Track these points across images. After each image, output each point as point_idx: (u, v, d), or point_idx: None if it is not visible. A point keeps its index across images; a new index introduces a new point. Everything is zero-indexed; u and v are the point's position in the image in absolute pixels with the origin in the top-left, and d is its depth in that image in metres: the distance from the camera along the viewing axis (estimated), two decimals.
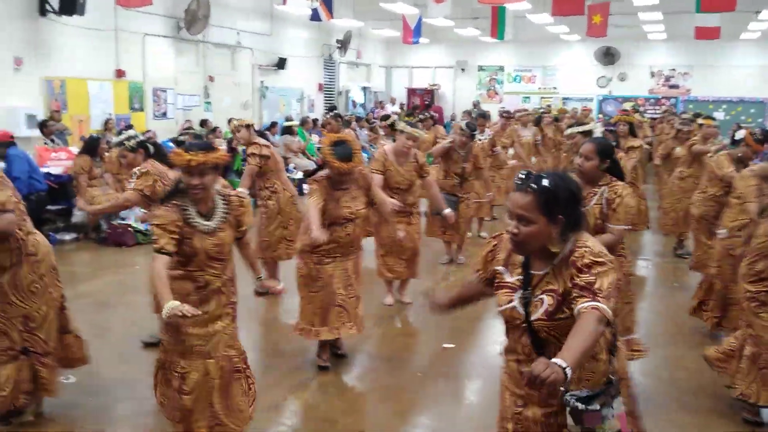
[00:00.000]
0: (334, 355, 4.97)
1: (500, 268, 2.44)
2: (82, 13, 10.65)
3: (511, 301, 2.35)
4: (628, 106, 20.99)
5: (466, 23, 18.76)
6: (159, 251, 3.15)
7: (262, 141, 6.43)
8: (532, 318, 2.29)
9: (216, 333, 3.37)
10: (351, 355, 5.09)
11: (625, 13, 16.67)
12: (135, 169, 4.87)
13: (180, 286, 3.24)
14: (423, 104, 22.61)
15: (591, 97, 22.26)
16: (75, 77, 11.53)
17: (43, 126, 10.11)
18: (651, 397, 4.29)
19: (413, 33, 17.22)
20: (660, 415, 4.08)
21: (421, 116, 11.25)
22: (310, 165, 12.80)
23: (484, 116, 10.54)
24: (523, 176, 2.28)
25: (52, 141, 10.10)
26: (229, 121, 14.29)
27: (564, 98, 22.18)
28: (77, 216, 8.91)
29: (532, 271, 2.34)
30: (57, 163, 9.19)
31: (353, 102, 21.65)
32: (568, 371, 1.95)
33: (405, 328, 5.84)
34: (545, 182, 2.23)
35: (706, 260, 5.74)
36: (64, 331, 4.03)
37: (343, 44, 19.72)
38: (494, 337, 5.69)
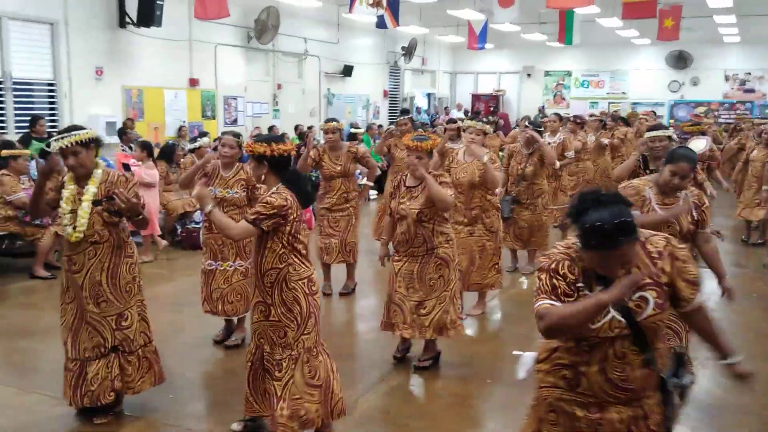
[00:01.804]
0: (397, 359, 5.03)
1: (581, 284, 2.37)
2: (159, 24, 11.06)
3: (607, 313, 2.30)
4: (700, 111, 20.43)
5: (532, 28, 18.60)
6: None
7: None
8: (641, 318, 2.31)
9: (253, 322, 3.67)
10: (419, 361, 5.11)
11: (697, 16, 16.23)
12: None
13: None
14: (488, 110, 22.48)
15: (662, 102, 21.71)
16: (151, 86, 11.97)
17: (122, 133, 10.53)
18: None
19: (478, 39, 17.16)
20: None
21: (485, 120, 11.20)
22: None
23: (561, 117, 10.36)
24: (598, 234, 2.18)
25: (130, 148, 10.49)
26: (296, 127, 14.62)
27: (633, 103, 21.69)
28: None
29: (611, 277, 2.32)
30: (134, 168, 9.53)
31: (417, 108, 21.71)
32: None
33: (474, 335, 5.84)
34: (625, 221, 2.17)
35: None
36: (148, 338, 4.15)
37: (408, 51, 19.82)
38: None
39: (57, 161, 3.87)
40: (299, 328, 3.58)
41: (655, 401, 2.46)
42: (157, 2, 10.87)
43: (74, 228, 3.79)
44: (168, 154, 8.94)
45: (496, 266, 5.98)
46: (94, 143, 3.89)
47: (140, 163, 8.08)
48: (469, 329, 5.94)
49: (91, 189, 3.81)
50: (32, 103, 10.35)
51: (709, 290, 3.42)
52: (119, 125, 10.89)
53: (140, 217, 3.90)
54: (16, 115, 9.93)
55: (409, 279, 4.70)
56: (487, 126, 6.09)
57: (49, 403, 4.28)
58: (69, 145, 3.74)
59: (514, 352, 5.23)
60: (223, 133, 5.54)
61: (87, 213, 3.78)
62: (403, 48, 19.81)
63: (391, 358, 5.06)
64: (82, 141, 3.78)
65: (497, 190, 6.15)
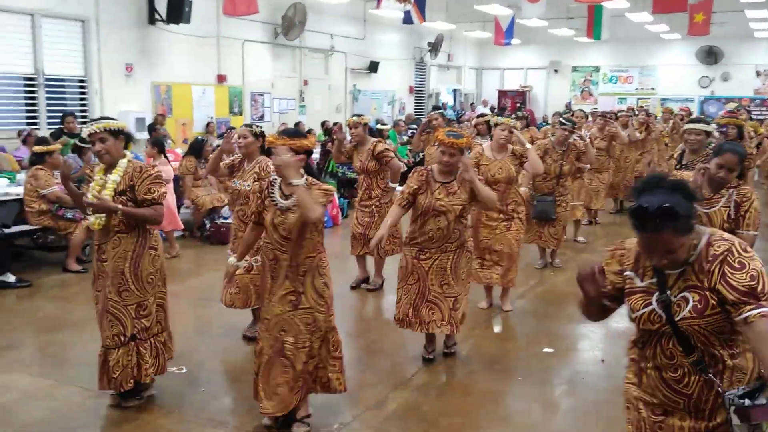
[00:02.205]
0: (428, 360, 5.01)
1: (630, 273, 2.37)
2: (187, 21, 11.16)
3: (648, 304, 2.30)
4: (731, 106, 20.10)
5: (560, 23, 18.44)
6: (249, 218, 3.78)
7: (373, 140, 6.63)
8: (678, 318, 2.24)
9: (275, 314, 3.69)
10: (451, 357, 5.10)
11: (729, 10, 15.98)
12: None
13: (263, 260, 3.79)
14: (514, 106, 22.35)
15: (692, 97, 21.41)
16: (180, 82, 12.08)
17: (152, 129, 10.64)
18: None
19: (505, 34, 17.09)
20: None
21: (514, 116, 11.12)
22: (402, 167, 12.88)
23: (586, 115, 10.31)
24: (642, 215, 2.14)
25: None
26: (323, 123, 14.65)
27: (662, 99, 21.43)
28: (183, 214, 9.32)
29: (668, 271, 2.27)
30: (164, 164, 9.62)
31: (443, 104, 21.65)
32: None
33: (503, 333, 5.81)
34: (669, 209, 2.11)
35: None
36: (162, 328, 4.22)
37: (434, 47, 19.76)
38: (593, 342, 5.60)
39: (69, 164, 4.03)
40: (328, 312, 3.79)
41: (722, 420, 2.30)
42: None
43: (96, 217, 3.88)
44: (197, 149, 9.00)
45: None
46: (124, 135, 3.99)
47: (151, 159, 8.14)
48: (498, 326, 5.93)
49: (113, 178, 3.90)
50: (64, 99, 10.51)
51: None
52: (149, 121, 11.01)
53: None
54: (48, 111, 10.09)
55: (442, 276, 4.65)
56: (517, 122, 6.06)
57: (84, 394, 4.34)
58: (97, 131, 3.87)
59: (545, 350, 5.27)
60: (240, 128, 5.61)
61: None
62: (429, 44, 19.76)
63: (419, 356, 5.05)
64: (110, 129, 3.90)
65: (522, 189, 6.19)
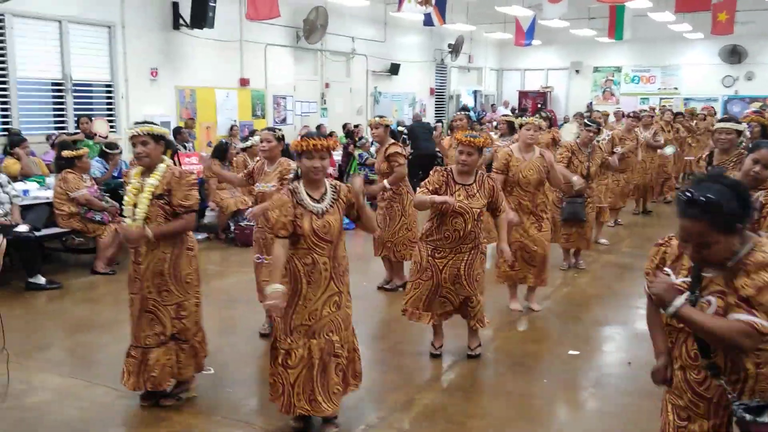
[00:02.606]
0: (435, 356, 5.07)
1: (667, 269, 2.37)
2: (211, 26, 11.27)
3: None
4: (756, 106, 19.84)
5: (581, 24, 18.35)
6: (276, 235, 3.63)
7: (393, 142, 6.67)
8: None
9: (322, 317, 3.69)
10: (476, 359, 5.11)
11: (753, 9, 15.80)
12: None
13: (292, 265, 3.66)
14: (535, 107, 22.25)
15: (715, 97, 21.17)
16: (204, 86, 12.20)
17: (177, 133, 10.77)
18: None
19: (526, 35, 17.03)
20: None
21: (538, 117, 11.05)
22: (403, 175, 12.88)
23: (634, 115, 10.24)
24: (685, 200, 2.17)
25: (184, 147, 10.72)
26: (344, 126, 14.71)
27: (686, 98, 21.22)
28: (208, 217, 9.43)
29: (705, 274, 2.25)
30: (189, 167, 9.74)
31: (464, 106, 21.61)
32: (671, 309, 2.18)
33: (529, 334, 5.80)
34: (712, 200, 2.10)
35: None
36: (199, 328, 4.30)
37: (455, 48, 19.75)
38: (619, 344, 5.59)
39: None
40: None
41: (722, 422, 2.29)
42: (210, 4, 11.09)
43: (134, 219, 3.96)
44: (221, 152, 9.09)
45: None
46: (164, 141, 4.10)
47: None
48: (523, 327, 5.93)
49: (150, 181, 3.98)
50: (91, 103, 10.67)
51: None
52: (174, 125, 11.14)
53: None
54: (76, 115, 10.23)
55: (455, 277, 4.73)
56: (543, 122, 6.08)
57: (113, 394, 4.41)
58: (140, 134, 3.97)
59: (570, 352, 5.26)
60: (261, 131, 5.72)
61: (145, 204, 3.95)
62: (449, 45, 19.75)
63: (445, 357, 5.07)
64: (152, 133, 4.01)
65: (575, 179, 6.32)
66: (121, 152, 8.71)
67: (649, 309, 2.56)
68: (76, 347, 5.49)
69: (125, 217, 4.05)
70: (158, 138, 4.02)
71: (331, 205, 3.69)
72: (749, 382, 2.23)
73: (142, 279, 4.03)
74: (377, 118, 6.69)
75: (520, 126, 5.92)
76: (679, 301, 2.18)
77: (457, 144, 4.68)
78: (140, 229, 3.87)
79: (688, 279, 2.29)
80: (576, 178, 6.50)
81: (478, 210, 4.64)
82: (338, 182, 3.83)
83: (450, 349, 5.18)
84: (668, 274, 2.35)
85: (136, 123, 4.12)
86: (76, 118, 10.00)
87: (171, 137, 4.32)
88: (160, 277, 4.02)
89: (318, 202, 3.67)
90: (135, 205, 3.98)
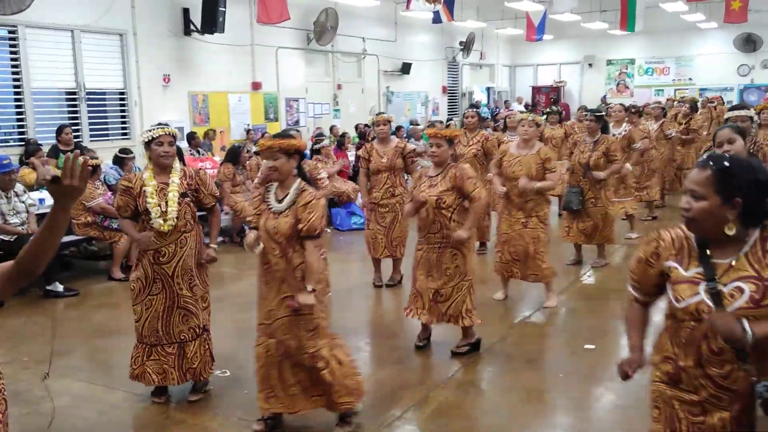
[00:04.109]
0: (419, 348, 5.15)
1: (672, 263, 2.31)
2: (222, 30, 11.34)
3: (696, 293, 2.22)
4: None
5: (593, 17, 18.24)
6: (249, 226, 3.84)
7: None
8: (731, 308, 2.16)
9: (278, 318, 3.69)
10: (490, 355, 5.11)
11: None
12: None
13: (261, 259, 3.75)
14: (548, 102, 22.16)
15: (731, 86, 20.96)
16: (216, 91, 12.28)
17: (190, 138, 10.85)
18: None
19: (537, 30, 16.97)
20: None
21: (547, 111, 11.03)
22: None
23: (635, 109, 10.11)
24: (711, 155, 2.27)
25: (198, 152, 10.80)
26: (356, 126, 14.73)
27: (701, 89, 21.02)
28: (222, 221, 9.47)
29: (715, 260, 2.22)
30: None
31: (478, 102, 21.57)
32: (749, 336, 2.07)
33: (543, 329, 5.78)
34: (725, 161, 2.19)
35: None
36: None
37: (466, 46, 19.71)
38: None
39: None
40: (329, 317, 3.88)
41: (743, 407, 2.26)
42: (220, 9, 11.15)
43: (164, 220, 4.10)
44: (234, 156, 9.15)
45: (547, 257, 6.02)
46: (176, 145, 4.28)
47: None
48: (537, 322, 5.90)
49: (175, 180, 4.15)
50: (105, 111, 10.77)
51: None
52: (187, 130, 11.23)
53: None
54: (90, 124, 10.34)
55: (428, 267, 4.86)
56: (540, 117, 6.05)
57: (131, 399, 4.46)
58: (168, 134, 4.15)
59: (586, 346, 5.23)
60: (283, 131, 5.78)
61: (175, 203, 4.11)
62: (461, 43, 19.71)
63: (461, 352, 5.07)
64: (174, 135, 4.22)
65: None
66: (134, 157, 8.78)
67: (632, 308, 2.53)
68: (94, 353, 5.55)
69: (156, 218, 4.11)
70: (174, 139, 4.22)
71: (288, 208, 3.64)
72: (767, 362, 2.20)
73: (171, 277, 4.15)
74: (384, 115, 6.85)
75: (518, 122, 5.99)
76: (747, 325, 2.10)
77: (430, 137, 4.88)
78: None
79: (701, 269, 2.24)
80: (566, 165, 6.72)
81: (435, 197, 4.71)
82: (309, 189, 3.71)
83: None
84: (675, 268, 2.30)
85: (159, 124, 4.27)
86: (89, 128, 10.11)
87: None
88: (190, 272, 4.21)
89: (280, 202, 3.68)
90: (159, 206, 4.10)
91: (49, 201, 7.61)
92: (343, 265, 7.54)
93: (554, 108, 11.05)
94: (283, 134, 3.86)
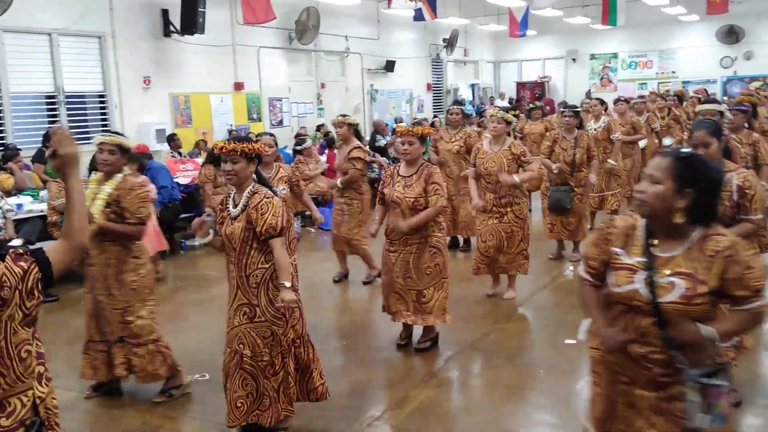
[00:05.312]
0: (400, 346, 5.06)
1: (617, 249, 2.43)
2: (202, 31, 11.25)
3: (632, 282, 2.35)
4: (755, 85, 19.73)
5: (575, 12, 18.27)
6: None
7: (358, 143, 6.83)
8: (663, 300, 2.29)
9: (234, 326, 3.65)
10: (472, 351, 5.11)
11: None
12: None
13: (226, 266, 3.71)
14: (533, 97, 22.18)
15: (714, 78, 21.05)
16: (198, 92, 12.20)
17: (170, 140, 10.77)
18: None
19: (520, 26, 16.98)
20: None
21: (530, 106, 11.03)
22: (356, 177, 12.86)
23: (603, 102, 10.16)
24: (677, 148, 2.45)
25: (179, 153, 10.73)
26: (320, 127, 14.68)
27: (684, 82, 21.10)
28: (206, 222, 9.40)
29: (657, 253, 2.33)
30: (184, 173, 9.75)
31: (463, 99, 21.57)
32: (713, 336, 2.25)
33: (525, 325, 5.79)
34: (686, 151, 2.34)
35: None
36: (158, 335, 4.44)
37: (450, 42, 19.70)
38: None
39: None
40: (287, 325, 3.65)
41: (677, 392, 2.37)
42: (200, 10, 11.06)
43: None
44: (215, 157, 9.07)
45: (524, 252, 6.04)
46: (128, 154, 4.29)
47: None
48: (519, 318, 5.90)
49: (107, 189, 4.15)
50: (85, 115, 10.67)
51: None
52: (169, 132, 11.15)
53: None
54: (70, 127, 10.24)
55: (405, 270, 4.83)
56: (508, 114, 6.07)
57: (110, 405, 4.43)
58: (107, 142, 4.14)
59: (567, 341, 5.23)
60: (258, 135, 5.79)
61: (99, 210, 4.11)
62: (444, 40, 19.70)
63: (440, 352, 5.07)
64: (121, 145, 4.19)
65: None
66: None
67: (584, 290, 2.60)
68: (73, 359, 5.46)
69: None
70: (125, 150, 4.21)
71: (241, 212, 3.56)
72: (695, 351, 2.32)
73: (96, 279, 4.23)
74: (340, 117, 6.88)
75: (490, 116, 6.09)
76: (710, 329, 2.26)
77: (400, 135, 4.85)
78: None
79: (643, 259, 2.35)
80: (555, 166, 6.74)
81: (412, 199, 4.69)
82: (262, 191, 3.60)
83: (446, 343, 5.17)
84: (619, 255, 2.41)
85: (105, 131, 4.25)
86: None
87: (134, 154, 4.48)
88: (105, 280, 4.22)
89: (236, 207, 3.60)
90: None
91: (28, 206, 7.56)
92: (327, 264, 7.51)
93: (536, 104, 11.06)
94: (244, 138, 3.82)
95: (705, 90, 16.82)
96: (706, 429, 2.29)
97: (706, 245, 2.29)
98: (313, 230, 9.62)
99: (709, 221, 2.32)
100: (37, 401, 2.12)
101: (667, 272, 2.30)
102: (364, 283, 6.96)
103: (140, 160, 8.16)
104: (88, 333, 4.41)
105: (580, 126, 7.15)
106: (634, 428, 2.46)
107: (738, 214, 3.54)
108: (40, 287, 2.04)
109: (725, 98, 19.34)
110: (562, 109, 7.38)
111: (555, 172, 6.84)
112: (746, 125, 5.58)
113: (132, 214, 4.15)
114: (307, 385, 3.91)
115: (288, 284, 3.51)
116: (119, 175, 4.20)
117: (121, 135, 4.34)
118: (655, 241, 2.35)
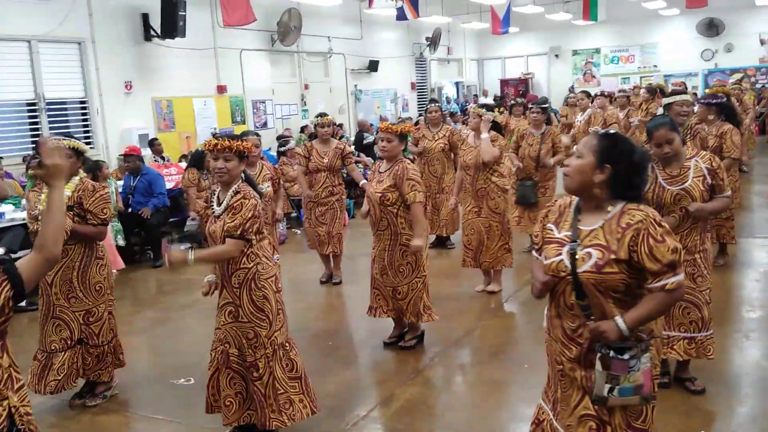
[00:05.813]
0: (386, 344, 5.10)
1: (551, 225, 2.59)
2: (183, 35, 11.22)
3: (559, 254, 2.49)
4: (736, 77, 19.91)
5: (556, 8, 18.35)
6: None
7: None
8: (580, 270, 2.41)
9: (221, 325, 3.66)
10: (457, 348, 5.13)
11: None
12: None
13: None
14: (517, 94, 22.27)
15: (696, 71, 21.21)
16: (180, 96, 12.15)
17: (151, 144, 10.72)
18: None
19: (502, 23, 17.02)
20: None
21: (512, 103, 11.12)
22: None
23: (589, 95, 10.26)
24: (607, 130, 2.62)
25: (162, 158, 10.69)
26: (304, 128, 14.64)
27: (666, 75, 21.23)
28: (189, 226, 9.38)
29: (581, 227, 2.48)
30: (168, 178, 9.71)
31: (447, 98, 21.61)
32: (625, 332, 2.35)
33: (509, 321, 5.81)
34: (610, 132, 2.55)
35: None
36: (114, 333, 4.47)
37: (433, 41, 19.73)
38: None
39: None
40: (271, 327, 3.59)
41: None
42: (180, 13, 11.02)
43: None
44: (199, 160, 9.06)
45: (505, 246, 6.10)
46: (83, 158, 4.32)
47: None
48: (503, 314, 5.92)
49: (66, 192, 4.12)
50: (66, 121, 10.61)
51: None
52: (152, 136, 11.10)
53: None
54: (52, 134, 10.16)
55: (381, 265, 4.90)
56: (482, 110, 6.12)
57: (92, 412, 4.41)
58: (63, 146, 4.06)
59: None
60: (243, 133, 5.81)
61: None
62: (427, 39, 19.73)
63: (426, 349, 5.08)
64: (76, 148, 4.21)
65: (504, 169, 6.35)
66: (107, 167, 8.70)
67: (533, 265, 2.71)
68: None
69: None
70: (80, 154, 4.24)
71: (224, 211, 3.53)
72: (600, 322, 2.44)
73: (49, 285, 4.20)
74: (329, 117, 6.98)
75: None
76: (620, 320, 2.38)
77: (380, 132, 4.92)
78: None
79: (569, 233, 2.49)
80: (515, 164, 7.02)
81: (379, 194, 4.74)
82: (245, 190, 3.55)
83: (432, 341, 5.18)
84: (551, 230, 2.58)
85: (60, 136, 4.29)
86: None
87: (88, 157, 4.49)
88: (69, 284, 4.20)
89: (219, 205, 3.58)
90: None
91: (9, 215, 7.51)
92: (313, 266, 7.50)
93: (518, 100, 11.14)
94: (237, 136, 3.70)
95: (684, 83, 16.91)
96: (609, 400, 2.38)
97: (622, 219, 2.40)
98: (298, 232, 9.61)
99: (630, 197, 2.44)
100: (12, 410, 2.11)
101: (586, 244, 2.43)
102: (322, 282, 7.10)
103: (93, 167, 8.13)
104: (39, 340, 4.36)
105: (548, 122, 7.28)
106: (570, 405, 2.58)
107: (713, 195, 3.73)
108: (11, 305, 2.05)
109: (707, 91, 19.45)
110: (530, 105, 7.47)
111: (515, 169, 7.10)
112: (722, 117, 5.66)
113: (95, 215, 4.19)
114: (311, 393, 3.79)
115: (207, 278, 3.75)
116: (76, 178, 4.23)
117: (76, 139, 4.32)
118: (579, 218, 2.49)
